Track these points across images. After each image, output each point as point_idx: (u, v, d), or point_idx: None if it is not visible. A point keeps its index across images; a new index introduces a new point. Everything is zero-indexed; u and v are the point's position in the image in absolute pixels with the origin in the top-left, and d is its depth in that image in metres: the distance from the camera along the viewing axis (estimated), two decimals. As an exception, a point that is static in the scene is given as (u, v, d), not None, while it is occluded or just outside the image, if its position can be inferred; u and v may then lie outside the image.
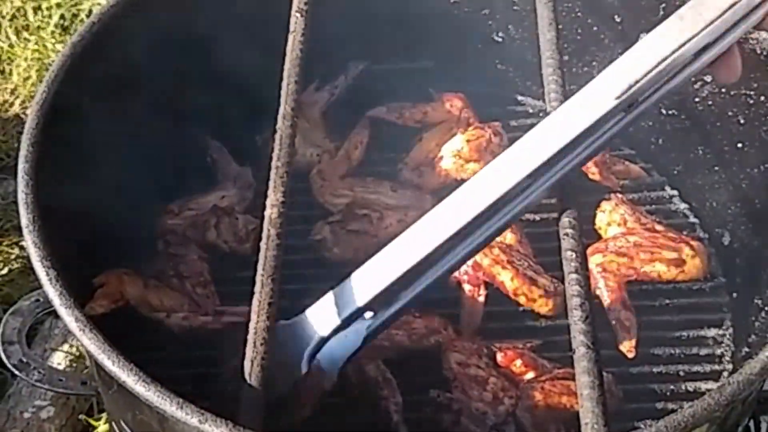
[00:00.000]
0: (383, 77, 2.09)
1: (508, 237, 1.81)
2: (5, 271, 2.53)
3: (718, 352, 1.75)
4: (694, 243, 1.81)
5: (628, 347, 1.69)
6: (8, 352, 1.63)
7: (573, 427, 1.24)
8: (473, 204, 1.31)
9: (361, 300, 1.36)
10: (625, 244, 1.79)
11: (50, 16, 3.07)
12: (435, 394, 1.61)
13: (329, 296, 1.39)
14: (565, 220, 1.40)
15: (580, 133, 1.28)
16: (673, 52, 1.27)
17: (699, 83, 1.81)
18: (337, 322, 1.37)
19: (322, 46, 1.74)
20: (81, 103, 1.63)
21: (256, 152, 1.94)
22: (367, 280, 1.35)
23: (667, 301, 1.79)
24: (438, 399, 1.60)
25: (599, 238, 1.85)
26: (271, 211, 1.42)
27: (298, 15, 1.69)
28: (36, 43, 3.01)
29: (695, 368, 1.72)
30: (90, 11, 3.04)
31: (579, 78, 1.98)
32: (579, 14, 1.92)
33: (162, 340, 1.71)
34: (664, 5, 1.80)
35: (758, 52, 1.67)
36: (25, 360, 1.63)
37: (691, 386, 1.70)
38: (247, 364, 1.27)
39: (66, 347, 2.23)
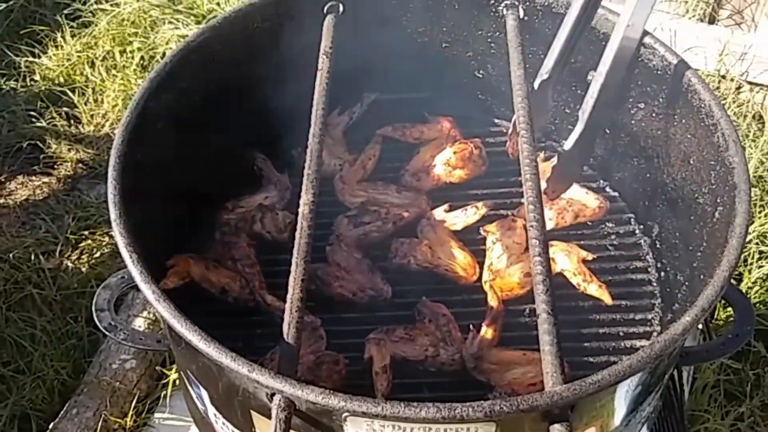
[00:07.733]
0: (390, 104, 2.08)
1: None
2: (98, 254, 2.54)
3: (650, 317, 1.74)
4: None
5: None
6: (100, 318, 1.63)
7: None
8: None
9: None
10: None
11: (133, 58, 3.07)
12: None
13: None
14: (530, 215, 1.39)
15: None
16: None
17: (635, 109, 1.80)
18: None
19: (344, 81, 1.74)
20: (156, 124, 1.63)
21: (292, 162, 1.94)
22: None
23: (611, 278, 1.79)
24: None
25: (557, 229, 1.84)
26: (303, 208, 1.42)
27: (324, 56, 1.69)
28: (122, 79, 3.01)
29: (632, 330, 1.72)
30: (163, 53, 3.04)
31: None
32: (542, 56, 1.91)
33: (219, 308, 1.71)
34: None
35: (683, 82, 1.66)
36: (113, 323, 1.63)
37: (628, 344, 1.69)
38: (285, 326, 1.27)
39: (145, 314, 2.23)
